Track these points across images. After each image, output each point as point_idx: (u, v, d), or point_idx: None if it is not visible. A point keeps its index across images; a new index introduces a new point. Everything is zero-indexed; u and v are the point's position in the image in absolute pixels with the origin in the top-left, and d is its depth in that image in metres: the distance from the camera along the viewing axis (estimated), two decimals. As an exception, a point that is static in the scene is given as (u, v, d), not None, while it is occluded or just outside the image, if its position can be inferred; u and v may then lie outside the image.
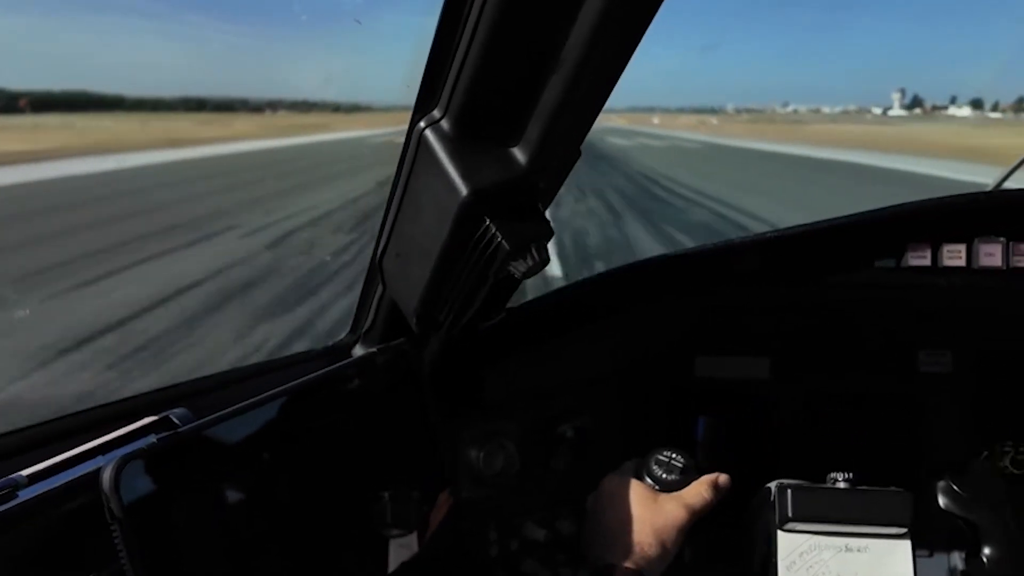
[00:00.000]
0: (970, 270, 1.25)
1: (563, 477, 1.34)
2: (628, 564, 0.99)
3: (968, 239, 1.25)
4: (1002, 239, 1.25)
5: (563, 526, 1.30)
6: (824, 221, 1.30)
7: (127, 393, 0.98)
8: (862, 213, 1.29)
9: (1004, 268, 1.24)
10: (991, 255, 1.24)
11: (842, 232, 1.29)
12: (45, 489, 0.74)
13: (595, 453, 1.35)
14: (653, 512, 1.04)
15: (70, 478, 0.76)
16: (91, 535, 0.72)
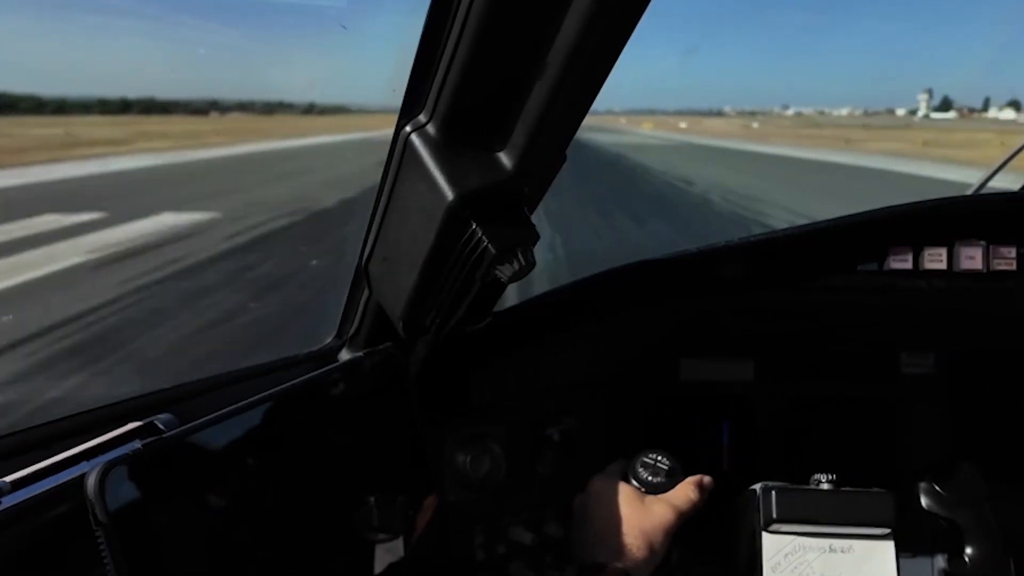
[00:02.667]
0: (951, 273, 1.27)
1: (550, 480, 1.34)
2: (617, 565, 0.99)
3: (949, 242, 1.27)
4: (982, 242, 1.26)
5: (550, 529, 1.30)
6: (807, 225, 1.31)
7: (111, 398, 0.97)
8: (844, 217, 1.30)
9: (984, 271, 1.26)
10: (971, 258, 1.26)
11: (824, 236, 1.30)
12: (29, 495, 0.74)
13: (581, 456, 1.35)
14: (641, 513, 1.04)
15: (54, 484, 0.76)
16: (76, 541, 0.71)
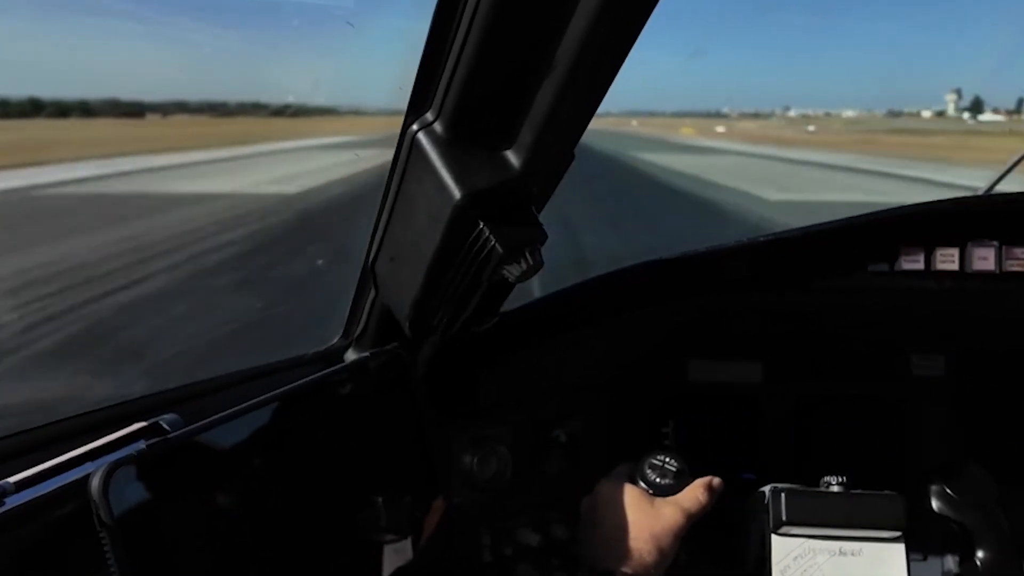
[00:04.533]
0: (963, 274, 1.26)
1: (556, 482, 1.34)
2: (626, 570, 0.99)
3: (961, 243, 1.26)
4: (995, 243, 1.25)
5: (557, 531, 1.30)
6: (817, 225, 1.30)
7: (116, 399, 0.97)
8: (855, 217, 1.29)
9: (997, 272, 1.25)
10: (984, 259, 1.25)
11: (835, 236, 1.29)
12: (33, 496, 0.73)
13: (588, 457, 1.35)
14: (650, 517, 1.03)
15: (58, 485, 0.75)
16: (80, 542, 0.71)
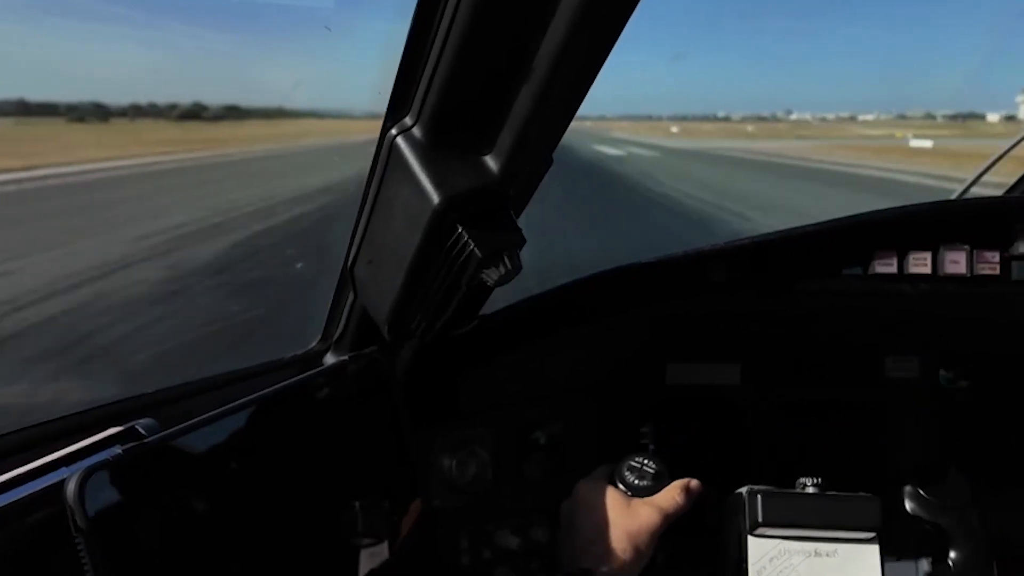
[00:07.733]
0: (935, 277, 1.27)
1: (536, 485, 1.34)
2: (602, 569, 0.99)
3: (933, 247, 1.27)
4: (966, 247, 1.27)
5: (536, 534, 1.30)
6: (793, 229, 1.31)
7: (91, 403, 0.96)
8: (829, 221, 1.30)
9: (968, 275, 1.26)
10: (956, 262, 1.26)
11: (810, 240, 1.31)
12: (8, 501, 0.73)
13: (568, 460, 1.35)
14: (627, 517, 1.04)
15: (33, 490, 0.75)
16: (55, 548, 0.70)
